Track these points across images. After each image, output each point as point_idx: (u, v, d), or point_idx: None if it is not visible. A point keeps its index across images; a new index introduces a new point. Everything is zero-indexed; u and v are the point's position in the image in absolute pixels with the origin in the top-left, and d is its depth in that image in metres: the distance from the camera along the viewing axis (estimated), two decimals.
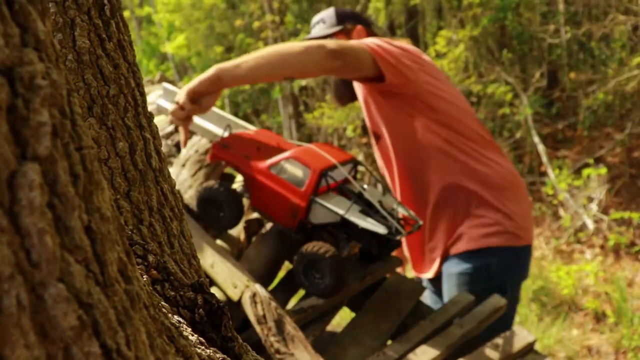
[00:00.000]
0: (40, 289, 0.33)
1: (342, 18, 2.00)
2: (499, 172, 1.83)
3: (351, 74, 1.79)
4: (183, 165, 1.76)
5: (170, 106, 1.76)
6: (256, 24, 8.13)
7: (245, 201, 1.65)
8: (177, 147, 1.99)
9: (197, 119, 1.73)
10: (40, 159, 0.34)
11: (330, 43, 1.62)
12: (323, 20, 2.01)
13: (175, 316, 0.54)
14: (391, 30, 7.25)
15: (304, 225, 1.43)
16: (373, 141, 2.01)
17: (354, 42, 1.71)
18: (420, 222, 1.45)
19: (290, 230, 1.45)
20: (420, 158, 1.82)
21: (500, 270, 1.75)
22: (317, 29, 2.01)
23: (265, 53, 1.60)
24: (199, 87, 1.57)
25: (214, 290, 1.38)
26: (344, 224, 1.39)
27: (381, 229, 1.33)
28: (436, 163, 1.80)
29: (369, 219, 1.35)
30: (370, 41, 1.74)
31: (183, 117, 1.58)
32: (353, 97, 2.06)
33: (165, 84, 1.80)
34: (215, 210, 1.51)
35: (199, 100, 1.59)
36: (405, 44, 1.87)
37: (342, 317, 3.03)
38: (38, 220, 0.33)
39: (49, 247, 0.34)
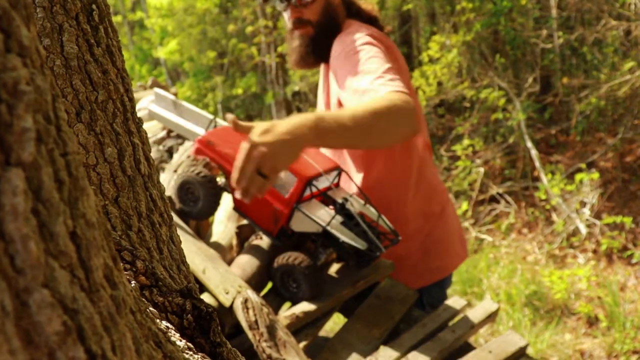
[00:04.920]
0: (24, 294, 0.33)
1: None
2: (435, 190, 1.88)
3: None
4: (175, 171, 1.76)
5: (162, 111, 1.76)
6: (249, 29, 8.14)
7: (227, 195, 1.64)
8: (169, 152, 1.98)
9: (181, 121, 1.71)
10: (24, 164, 0.34)
11: (410, 127, 1.39)
12: None
13: (164, 322, 0.53)
14: None
15: (285, 231, 1.44)
16: None
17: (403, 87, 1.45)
18: (399, 238, 1.46)
19: (270, 235, 1.45)
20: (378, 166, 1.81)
21: (424, 301, 1.85)
22: None
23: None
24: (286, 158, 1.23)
25: (205, 296, 1.38)
26: (325, 234, 1.39)
27: (361, 245, 1.34)
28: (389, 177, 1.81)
29: (350, 233, 1.36)
30: (395, 77, 1.49)
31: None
32: (313, 64, 1.88)
33: (157, 89, 1.80)
34: (191, 197, 1.50)
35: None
36: (381, 41, 1.69)
37: (335, 322, 3.03)
38: (22, 226, 0.33)
39: (33, 253, 0.34)
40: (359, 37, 1.66)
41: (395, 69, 1.56)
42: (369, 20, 1.82)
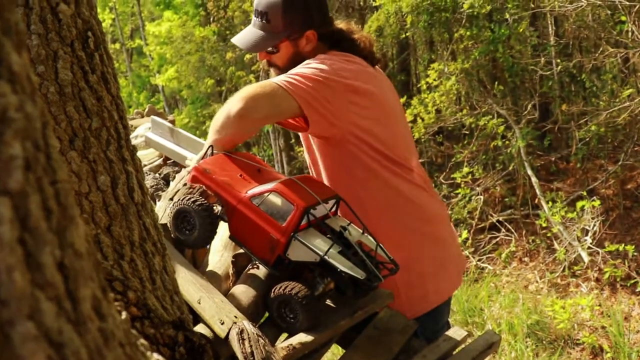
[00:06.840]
0: (8, 327, 0.32)
1: (290, 19, 1.76)
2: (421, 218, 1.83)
3: (270, 123, 1.75)
4: (171, 199, 1.75)
5: (159, 139, 1.76)
6: (247, 57, 8.19)
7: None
8: (165, 180, 1.98)
9: (178, 148, 1.72)
10: (11, 193, 0.33)
11: (234, 107, 1.57)
12: (267, 17, 1.76)
13: (155, 354, 0.52)
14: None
15: (282, 260, 1.42)
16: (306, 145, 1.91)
17: (269, 91, 1.60)
18: (398, 267, 1.44)
19: (267, 264, 1.43)
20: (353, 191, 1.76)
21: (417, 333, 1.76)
22: (259, 28, 1.80)
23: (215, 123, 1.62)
24: None
25: (200, 326, 1.36)
26: (323, 264, 1.37)
27: (359, 274, 1.32)
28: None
29: (348, 262, 1.34)
30: (296, 77, 1.63)
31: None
32: None
33: (154, 117, 1.80)
34: (187, 225, 1.49)
35: None
36: (344, 61, 1.73)
37: (334, 354, 2.98)
38: (7, 256, 0.32)
39: (18, 284, 0.33)
40: (310, 61, 1.70)
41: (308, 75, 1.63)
42: (352, 49, 1.80)
